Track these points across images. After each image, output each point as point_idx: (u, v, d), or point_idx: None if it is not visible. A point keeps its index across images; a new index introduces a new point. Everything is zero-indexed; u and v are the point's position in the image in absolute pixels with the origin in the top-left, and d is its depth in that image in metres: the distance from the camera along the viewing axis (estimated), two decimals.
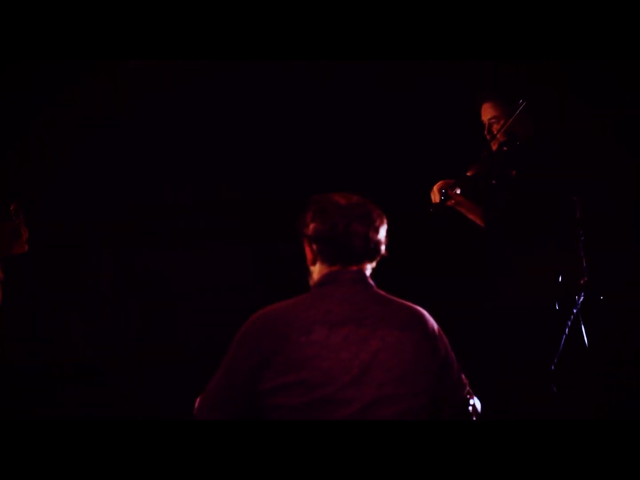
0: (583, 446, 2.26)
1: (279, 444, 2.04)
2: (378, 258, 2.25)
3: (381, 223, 2.23)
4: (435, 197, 3.51)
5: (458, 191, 3.49)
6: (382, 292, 2.24)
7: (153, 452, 2.21)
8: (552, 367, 3.39)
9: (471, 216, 3.57)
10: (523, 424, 2.36)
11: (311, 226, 2.21)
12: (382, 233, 2.24)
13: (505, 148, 3.47)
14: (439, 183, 3.53)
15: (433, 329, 2.22)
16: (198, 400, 2.24)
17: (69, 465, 2.27)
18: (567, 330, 3.42)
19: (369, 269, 2.25)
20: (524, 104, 3.44)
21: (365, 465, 2.02)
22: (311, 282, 2.27)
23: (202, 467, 2.10)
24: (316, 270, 2.25)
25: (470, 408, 2.23)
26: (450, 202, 3.50)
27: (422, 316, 2.23)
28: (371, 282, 2.24)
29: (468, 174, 3.50)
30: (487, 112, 3.58)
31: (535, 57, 3.65)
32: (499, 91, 3.56)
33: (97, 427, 2.47)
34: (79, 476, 2.24)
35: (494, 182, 3.47)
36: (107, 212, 4.67)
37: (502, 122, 3.50)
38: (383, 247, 2.25)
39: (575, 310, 3.43)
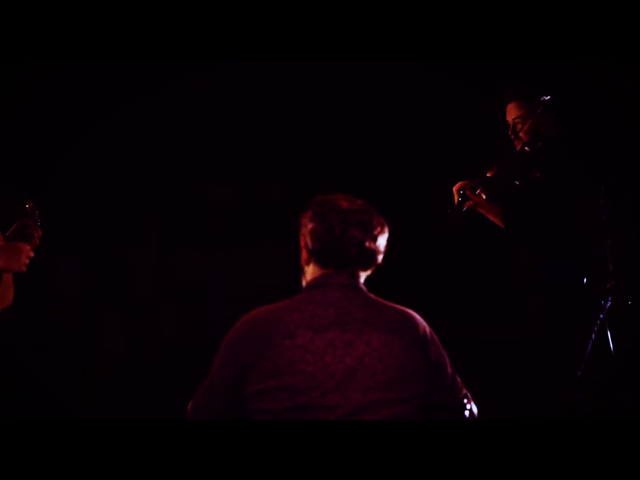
0: (610, 447, 2.24)
1: (264, 445, 2.03)
2: (373, 266, 2.22)
3: (381, 232, 2.18)
4: (454, 198, 3.48)
5: (480, 193, 3.46)
6: (373, 297, 2.20)
7: (145, 452, 2.20)
8: (579, 372, 3.34)
9: (491, 217, 3.53)
10: (528, 425, 2.34)
11: (309, 226, 2.18)
12: (381, 242, 2.18)
13: (527, 148, 3.44)
14: (457, 184, 3.51)
15: (424, 333, 2.17)
16: (189, 404, 2.24)
17: (69, 465, 2.27)
18: (593, 335, 3.37)
19: (362, 275, 2.22)
20: (545, 103, 3.42)
21: (352, 467, 2.00)
22: (304, 282, 2.25)
23: (189, 467, 2.10)
24: (309, 271, 2.23)
25: (467, 413, 2.18)
26: (469, 203, 3.47)
27: (412, 320, 2.18)
28: (362, 286, 2.20)
29: (488, 174, 3.48)
30: (512, 112, 3.56)
31: (545, 57, 3.64)
32: (523, 91, 3.53)
33: (98, 427, 2.47)
34: (78, 476, 2.24)
35: (517, 182, 3.43)
36: (120, 210, 4.69)
37: (526, 122, 3.47)
38: (380, 257, 2.20)
39: (601, 316, 3.38)
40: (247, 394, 2.09)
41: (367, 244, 2.15)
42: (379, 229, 2.18)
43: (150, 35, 3.60)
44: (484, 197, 3.48)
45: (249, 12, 3.61)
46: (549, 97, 3.41)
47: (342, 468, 1.99)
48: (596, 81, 3.81)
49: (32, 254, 2.84)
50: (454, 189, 3.50)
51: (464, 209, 3.49)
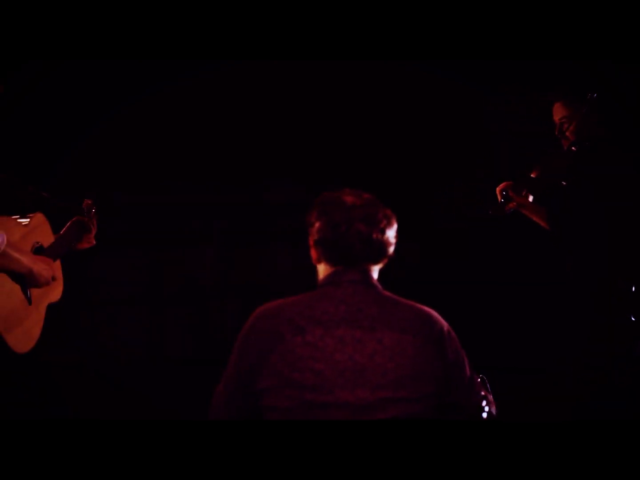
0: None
1: (271, 444, 2.03)
2: (385, 260, 2.21)
3: (388, 224, 2.17)
4: (497, 198, 3.47)
5: (524, 193, 3.44)
6: (388, 294, 2.19)
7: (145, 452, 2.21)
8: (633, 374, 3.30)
9: (535, 218, 3.51)
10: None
11: (315, 225, 2.18)
12: (389, 234, 2.17)
13: (574, 148, 3.42)
14: (501, 185, 3.49)
15: (440, 331, 2.13)
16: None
17: (73, 464, 2.27)
18: None
19: (374, 270, 2.21)
20: (592, 103, 3.39)
21: (358, 467, 1.99)
22: (318, 281, 2.24)
23: (193, 467, 2.10)
24: (321, 270, 2.22)
25: (484, 415, 2.13)
26: (512, 204, 3.45)
27: (427, 318, 2.15)
28: (375, 283, 2.19)
29: (532, 175, 3.45)
30: (558, 112, 3.53)
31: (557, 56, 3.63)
32: (570, 91, 3.51)
33: (102, 427, 2.47)
34: (81, 476, 2.24)
35: (564, 183, 3.40)
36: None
37: (573, 122, 3.45)
38: (391, 249, 2.19)
39: None
40: (258, 390, 2.09)
41: (374, 237, 2.14)
42: (385, 221, 2.17)
43: (150, 35, 3.60)
44: (528, 197, 3.45)
45: (249, 12, 3.61)
46: (595, 95, 3.39)
47: (348, 468, 1.98)
48: (596, 81, 3.81)
49: (56, 277, 2.87)
50: (497, 189, 3.48)
51: (508, 210, 3.47)
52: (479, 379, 2.26)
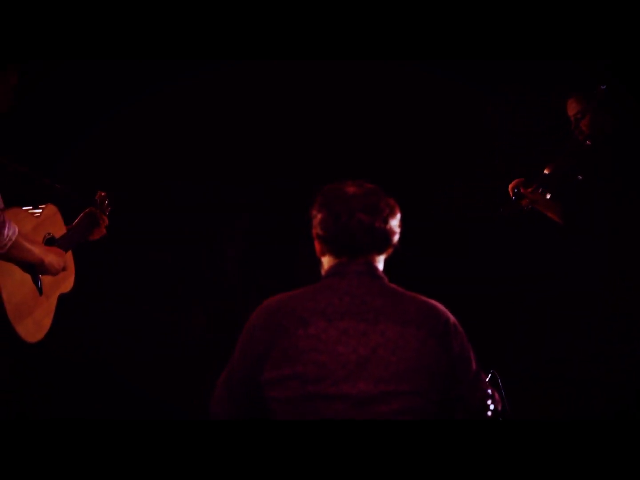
0: None
1: (275, 441, 2.03)
2: (389, 249, 2.20)
3: (391, 213, 2.16)
4: (510, 196, 3.48)
5: (537, 190, 3.44)
6: (393, 286, 2.18)
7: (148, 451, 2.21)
8: None
9: (549, 213, 3.51)
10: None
11: (318, 217, 2.18)
12: (393, 223, 2.16)
13: (588, 142, 3.42)
14: (513, 182, 3.50)
15: (446, 324, 2.12)
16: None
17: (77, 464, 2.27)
18: None
19: (379, 260, 2.20)
20: (602, 95, 3.39)
21: (361, 465, 1.99)
22: (322, 273, 2.24)
23: (199, 466, 2.10)
24: (325, 262, 2.22)
25: (489, 413, 2.10)
26: (525, 201, 3.46)
27: (433, 311, 2.13)
28: (380, 274, 2.17)
29: (545, 171, 3.46)
30: (572, 107, 3.54)
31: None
32: (580, 86, 3.52)
33: (107, 426, 2.48)
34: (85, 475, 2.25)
35: (580, 177, 3.40)
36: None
37: (586, 115, 3.45)
38: (394, 238, 2.18)
39: None
40: (263, 381, 2.09)
41: (376, 226, 2.14)
42: (387, 210, 2.16)
43: (150, 35, 3.60)
44: (542, 194, 3.45)
45: (249, 12, 3.61)
46: (604, 87, 3.39)
47: (351, 466, 1.98)
48: (596, 81, 3.81)
49: (67, 267, 2.89)
50: (510, 187, 3.49)
51: (524, 207, 3.47)
52: (490, 375, 2.24)
